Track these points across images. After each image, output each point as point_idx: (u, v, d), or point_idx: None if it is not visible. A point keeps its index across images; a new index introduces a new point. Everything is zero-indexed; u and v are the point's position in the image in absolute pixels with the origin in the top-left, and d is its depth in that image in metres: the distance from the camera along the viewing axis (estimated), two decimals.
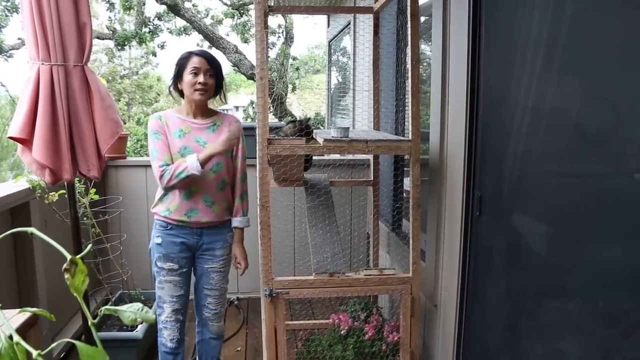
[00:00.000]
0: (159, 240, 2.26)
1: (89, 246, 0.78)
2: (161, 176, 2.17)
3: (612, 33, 1.27)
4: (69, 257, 0.59)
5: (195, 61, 2.25)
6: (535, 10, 1.62)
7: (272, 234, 2.27)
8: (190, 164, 2.19)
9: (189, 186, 2.28)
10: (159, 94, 17.47)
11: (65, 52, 2.16)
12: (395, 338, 2.41)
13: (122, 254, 3.44)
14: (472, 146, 2.09)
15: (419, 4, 2.15)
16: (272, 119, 11.28)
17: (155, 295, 2.29)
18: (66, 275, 0.59)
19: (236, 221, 2.43)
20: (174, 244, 2.27)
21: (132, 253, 3.56)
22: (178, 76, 2.24)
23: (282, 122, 5.43)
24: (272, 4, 3.51)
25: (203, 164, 2.19)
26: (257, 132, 2.21)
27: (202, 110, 2.35)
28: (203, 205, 2.31)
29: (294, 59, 13.00)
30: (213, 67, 2.28)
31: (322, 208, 2.58)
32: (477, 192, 2.03)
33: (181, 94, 2.31)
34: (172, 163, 2.21)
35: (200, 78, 2.26)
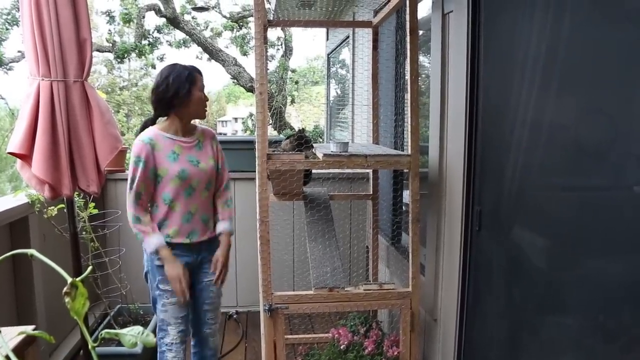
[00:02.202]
0: (160, 262, 2.21)
1: (90, 268, 0.78)
2: (132, 215, 2.14)
3: (610, 47, 1.26)
4: (69, 280, 0.59)
5: (201, 79, 2.25)
6: (534, 24, 1.62)
7: (271, 248, 2.26)
8: (150, 243, 2.17)
9: (187, 209, 2.24)
10: None
11: (66, 68, 2.17)
12: (395, 353, 2.40)
13: (120, 268, 3.41)
14: (471, 160, 2.08)
15: (418, 19, 2.14)
16: (271, 132, 11.18)
17: (158, 319, 2.26)
18: (66, 299, 0.58)
19: (223, 225, 2.37)
20: (180, 262, 2.21)
21: (130, 267, 3.53)
22: (189, 93, 2.18)
23: (282, 136, 5.38)
24: (272, 18, 3.53)
25: (155, 253, 2.17)
26: (256, 147, 2.20)
27: (189, 127, 2.32)
28: (201, 224, 2.29)
29: (293, 71, 12.82)
30: None
31: (321, 222, 2.58)
32: (476, 207, 2.01)
33: (166, 109, 2.23)
34: (146, 194, 2.15)
35: (205, 95, 2.26)
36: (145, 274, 2.34)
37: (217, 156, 2.40)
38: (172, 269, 2.20)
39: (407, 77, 2.19)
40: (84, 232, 3.06)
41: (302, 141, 2.41)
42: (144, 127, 2.31)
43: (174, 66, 2.28)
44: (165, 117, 2.29)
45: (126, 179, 3.77)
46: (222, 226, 2.41)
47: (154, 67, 12.95)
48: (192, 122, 2.34)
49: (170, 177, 2.18)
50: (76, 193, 2.54)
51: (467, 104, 2.07)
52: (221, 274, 2.38)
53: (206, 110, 2.32)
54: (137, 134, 2.31)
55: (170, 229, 2.22)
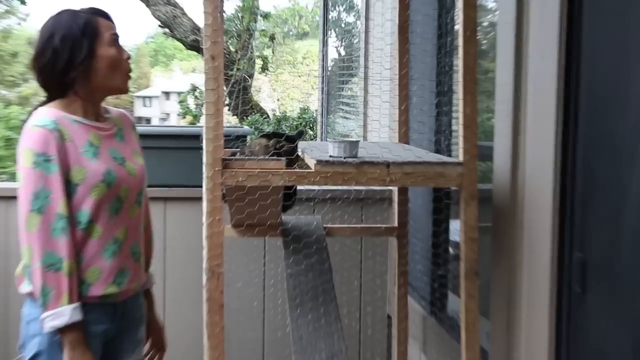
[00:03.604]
0: (58, 343, 2.11)
1: None
2: (45, 254, 2.05)
3: None
4: None
5: (106, 24, 2.14)
6: None
7: (228, 319, 2.17)
8: (62, 313, 2.03)
9: (112, 235, 2.15)
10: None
11: None
12: None
13: None
14: (567, 173, 1.92)
15: None
16: (228, 120, 9.59)
17: None
18: None
19: (149, 280, 2.43)
20: (93, 336, 2.14)
21: None
22: (90, 54, 2.10)
23: (247, 127, 5.25)
24: None
25: (58, 333, 2.06)
26: (204, 147, 2.07)
27: (100, 108, 2.26)
28: (132, 260, 2.21)
29: (266, 15, 10.87)
30: None
31: (312, 275, 2.48)
32: (577, 253, 1.90)
33: (63, 87, 2.16)
34: (69, 215, 2.09)
35: (125, 52, 2.17)
36: (20, 347, 2.19)
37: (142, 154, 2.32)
38: (78, 357, 2.03)
39: (459, 30, 2.04)
40: None
41: (282, 140, 2.29)
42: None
43: (59, 16, 2.12)
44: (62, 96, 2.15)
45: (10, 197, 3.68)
46: (151, 278, 2.42)
47: (23, 1, 11.70)
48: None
49: (91, 184, 2.10)
50: None
51: (559, 79, 1.92)
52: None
53: (129, 76, 2.24)
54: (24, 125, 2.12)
55: (86, 271, 2.12)
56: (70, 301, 2.04)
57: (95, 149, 2.16)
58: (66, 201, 2.08)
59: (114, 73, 2.15)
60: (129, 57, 2.19)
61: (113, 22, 2.17)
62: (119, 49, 2.15)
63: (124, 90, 2.21)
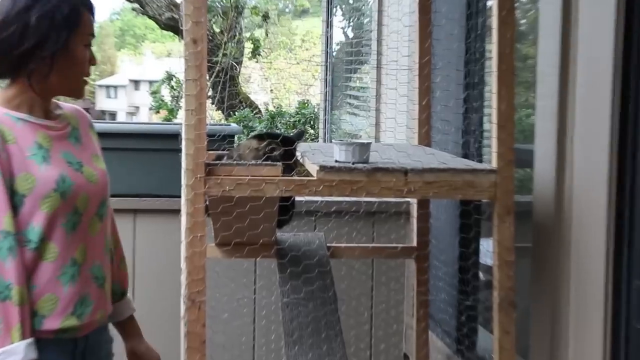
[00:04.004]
0: None
1: None
2: None
3: None
4: None
5: (89, 21, 2.15)
6: None
7: (212, 358, 2.23)
8: (14, 352, 2.03)
9: (70, 255, 2.11)
10: None
11: None
12: None
13: None
14: (624, 184, 1.88)
15: None
16: (212, 118, 9.19)
17: None
18: None
19: (128, 306, 2.43)
20: None
21: None
22: (65, 47, 2.12)
23: (233, 125, 5.17)
24: None
25: None
26: (183, 149, 2.06)
27: (50, 104, 2.24)
28: (94, 286, 2.16)
29: None
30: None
31: (313, 305, 2.41)
32: (636, 282, 1.87)
33: (15, 67, 2.15)
34: (17, 232, 2.07)
35: (93, 57, 2.25)
36: None
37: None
38: None
39: (493, 8, 2.00)
40: None
41: (277, 142, 2.24)
42: None
43: None
44: (8, 82, 2.14)
45: None
46: (126, 307, 2.39)
47: None
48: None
49: (42, 194, 2.06)
50: None
51: (616, 68, 1.86)
52: None
53: (86, 82, 2.23)
54: None
55: (39, 301, 2.08)
56: (23, 336, 2.01)
57: (45, 152, 2.12)
58: (12, 215, 2.04)
59: (76, 76, 2.17)
60: (93, 61, 2.20)
61: (93, 15, 2.20)
62: (90, 50, 2.18)
63: (79, 96, 2.21)
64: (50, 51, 2.04)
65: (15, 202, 2.06)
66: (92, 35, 2.16)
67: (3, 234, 2.01)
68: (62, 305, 2.12)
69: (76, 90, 2.16)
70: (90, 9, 2.14)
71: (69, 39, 2.06)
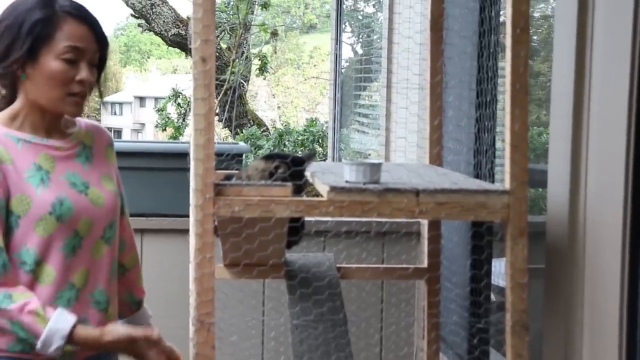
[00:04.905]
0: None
1: None
2: None
3: None
4: None
5: (74, 32, 2.05)
6: None
7: None
8: (54, 330, 2.01)
9: (67, 280, 2.10)
10: None
11: None
12: None
13: None
14: (639, 204, 1.90)
15: None
16: (218, 136, 9.26)
17: None
18: None
19: (145, 314, 2.54)
20: None
21: None
22: (30, 52, 2.03)
23: (241, 143, 5.15)
24: None
25: (68, 343, 2.03)
26: (191, 168, 2.04)
27: (59, 122, 2.18)
28: (94, 310, 2.15)
29: (264, 5, 9.93)
30: (102, 49, 2.14)
31: (323, 327, 2.39)
32: None
33: (10, 82, 2.10)
34: (9, 250, 2.05)
35: (83, 72, 2.05)
36: None
37: (118, 180, 2.28)
38: (110, 334, 2.10)
39: (507, 27, 1.98)
40: None
41: (288, 163, 2.24)
42: None
43: (24, 2, 2.10)
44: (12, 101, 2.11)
45: None
46: (143, 315, 2.50)
47: None
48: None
49: (35, 217, 2.05)
50: None
51: (632, 87, 1.87)
52: None
53: (80, 102, 2.12)
54: None
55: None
56: (52, 317, 2.08)
57: (44, 174, 2.12)
58: (1, 232, 2.07)
59: (53, 90, 2.09)
60: (84, 82, 2.10)
61: (93, 31, 2.13)
62: (75, 66, 2.06)
63: (71, 114, 2.15)
64: (13, 59, 2.05)
65: (10, 222, 2.07)
66: (75, 47, 2.08)
67: None
68: None
69: (62, 107, 2.12)
70: (78, 17, 2.10)
71: (37, 49, 2.05)
